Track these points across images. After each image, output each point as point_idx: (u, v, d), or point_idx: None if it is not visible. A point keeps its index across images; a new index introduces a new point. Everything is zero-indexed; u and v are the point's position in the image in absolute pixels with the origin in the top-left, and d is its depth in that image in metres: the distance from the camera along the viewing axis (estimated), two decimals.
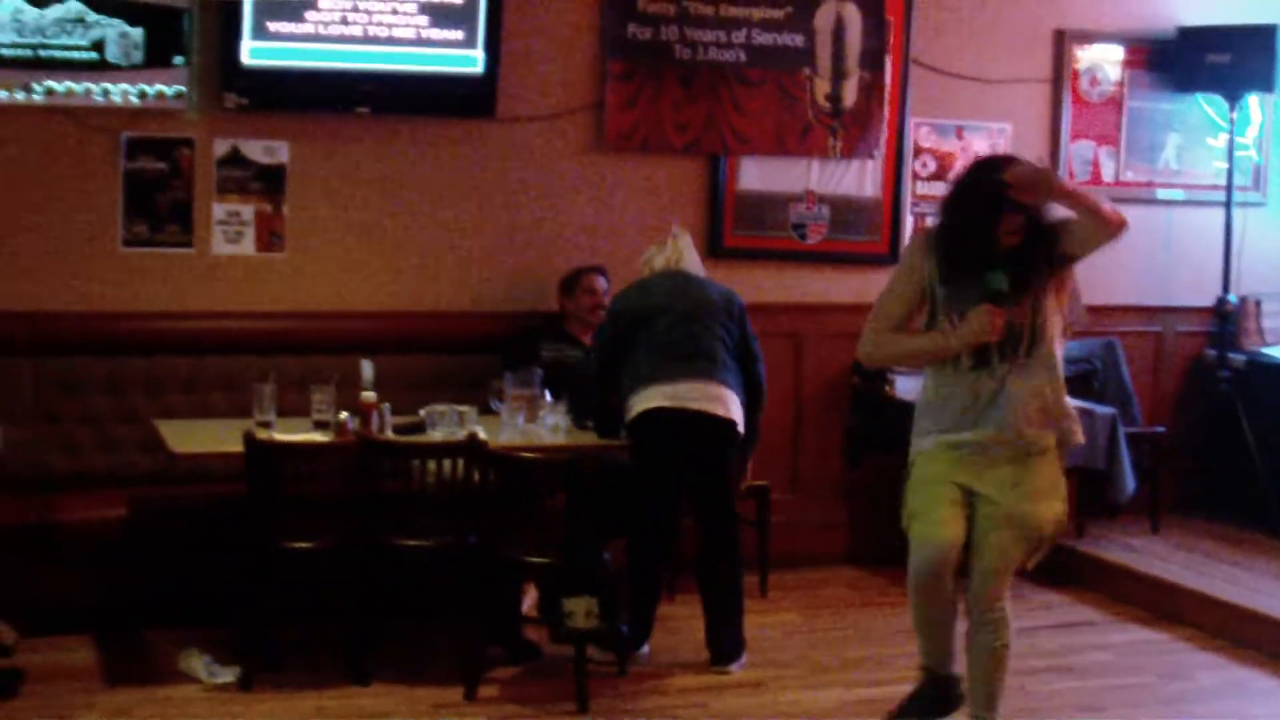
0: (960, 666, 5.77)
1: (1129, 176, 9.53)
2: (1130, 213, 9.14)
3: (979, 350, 5.51)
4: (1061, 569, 8.51)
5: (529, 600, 7.12)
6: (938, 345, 5.58)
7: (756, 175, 8.71)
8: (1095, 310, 9.33)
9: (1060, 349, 5.64)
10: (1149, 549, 8.71)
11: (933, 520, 5.56)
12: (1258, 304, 9.62)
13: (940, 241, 5.61)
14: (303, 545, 6.59)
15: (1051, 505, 5.64)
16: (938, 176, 9.05)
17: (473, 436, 6.65)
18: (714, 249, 8.59)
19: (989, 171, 5.48)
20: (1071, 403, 8.35)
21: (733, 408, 6.85)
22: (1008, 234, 5.41)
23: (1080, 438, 5.77)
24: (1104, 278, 9.34)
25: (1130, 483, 8.52)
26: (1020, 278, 5.46)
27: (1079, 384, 8.97)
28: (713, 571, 6.90)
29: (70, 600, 7.01)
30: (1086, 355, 9.29)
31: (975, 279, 5.46)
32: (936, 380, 5.68)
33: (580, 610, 6.43)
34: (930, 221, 5.91)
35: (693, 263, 7.18)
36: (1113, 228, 5.43)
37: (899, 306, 5.67)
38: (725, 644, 6.89)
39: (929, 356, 5.67)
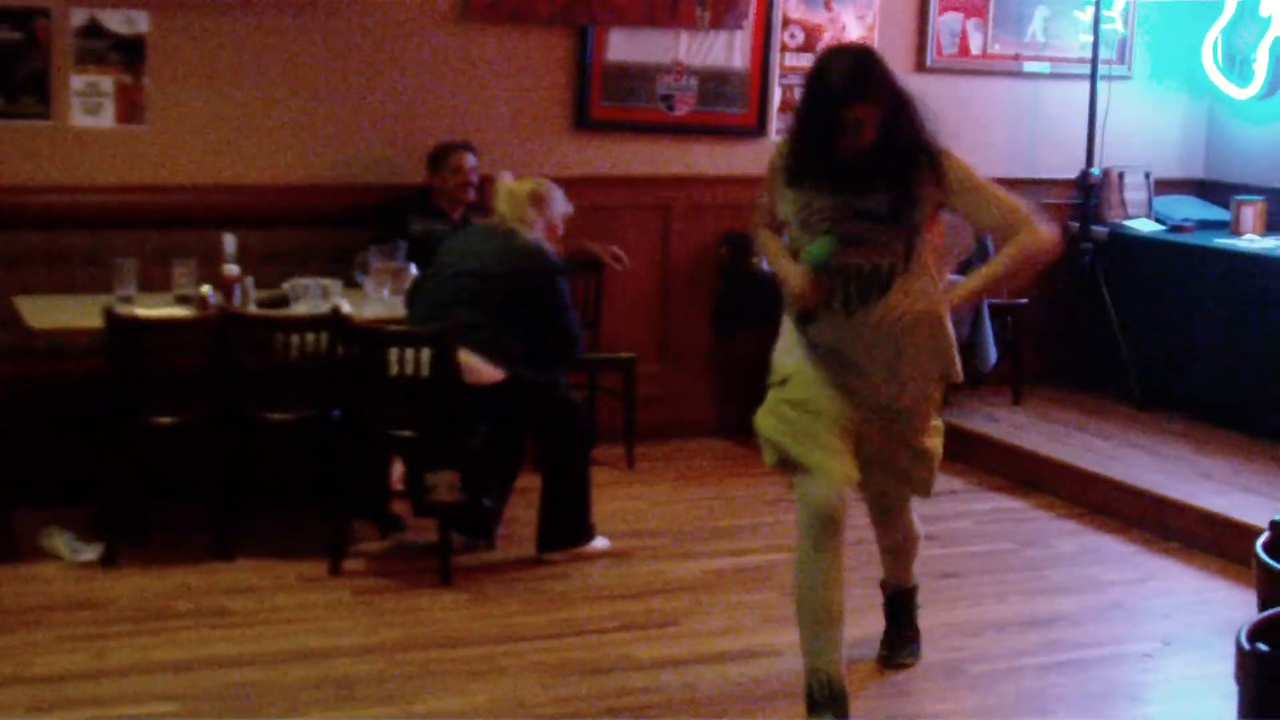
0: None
1: (996, 49, 9.57)
2: (997, 86, 9.53)
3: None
4: None
5: (396, 474, 7.12)
6: (778, 271, 5.10)
7: (624, 46, 8.66)
8: None
9: (941, 280, 5.11)
10: (1011, 419, 8.84)
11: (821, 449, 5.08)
12: (1120, 176, 9.72)
13: (788, 144, 5.02)
14: (166, 421, 6.56)
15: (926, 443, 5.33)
16: (806, 48, 9.04)
17: (336, 310, 6.62)
18: (581, 121, 8.56)
19: (823, 68, 4.83)
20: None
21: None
22: (851, 142, 4.79)
23: (959, 375, 5.30)
24: (970, 150, 9.39)
25: (992, 353, 8.64)
26: (874, 202, 4.88)
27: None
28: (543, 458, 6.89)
29: None
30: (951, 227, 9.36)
31: (824, 191, 4.89)
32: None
33: (442, 484, 6.44)
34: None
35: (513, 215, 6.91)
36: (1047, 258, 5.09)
37: (768, 200, 5.14)
38: (549, 530, 6.84)
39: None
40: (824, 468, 5.02)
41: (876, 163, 4.84)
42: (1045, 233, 4.97)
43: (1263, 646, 3.03)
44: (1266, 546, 3.66)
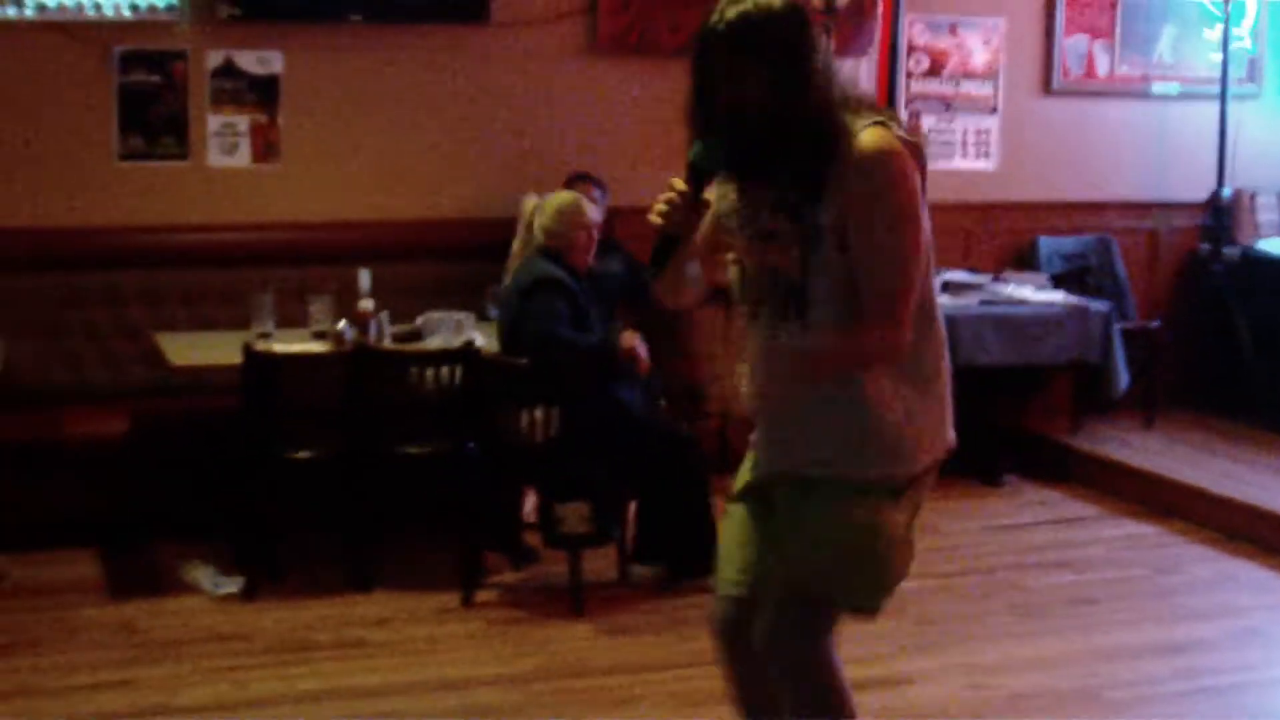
0: None
1: (1123, 70, 9.52)
2: (1125, 107, 9.48)
3: (752, 296, 3.80)
4: (1057, 465, 8.63)
5: (529, 505, 7.19)
6: None
7: None
8: (1089, 207, 9.44)
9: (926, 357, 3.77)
10: (1143, 444, 8.78)
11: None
12: (1252, 197, 9.63)
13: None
14: (302, 455, 6.66)
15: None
16: (932, 73, 9.07)
17: (469, 343, 6.71)
18: None
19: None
20: (1064, 297, 8.50)
21: None
22: (727, 102, 3.62)
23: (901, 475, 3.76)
24: (1097, 172, 9.40)
25: (1124, 377, 8.58)
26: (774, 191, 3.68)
27: (1072, 280, 9.04)
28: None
29: (74, 514, 7.08)
30: (1081, 251, 9.35)
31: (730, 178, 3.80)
32: None
33: (572, 516, 6.51)
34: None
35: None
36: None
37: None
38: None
39: None
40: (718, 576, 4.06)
41: (768, 137, 3.61)
42: (879, 345, 3.62)
43: None
44: None
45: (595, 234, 6.89)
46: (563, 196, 6.93)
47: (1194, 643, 6.33)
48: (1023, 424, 8.89)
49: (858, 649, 6.11)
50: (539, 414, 6.58)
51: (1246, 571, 7.22)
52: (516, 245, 7.51)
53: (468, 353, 6.68)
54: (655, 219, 3.71)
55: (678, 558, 6.78)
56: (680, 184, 3.68)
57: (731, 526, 4.00)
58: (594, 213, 6.95)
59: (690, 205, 3.69)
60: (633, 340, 6.74)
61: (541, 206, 6.90)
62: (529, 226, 7.16)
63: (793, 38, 3.61)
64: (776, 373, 3.74)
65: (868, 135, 3.57)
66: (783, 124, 3.58)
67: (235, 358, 6.57)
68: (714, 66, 3.61)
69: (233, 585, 6.64)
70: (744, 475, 3.95)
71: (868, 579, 3.82)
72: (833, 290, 3.62)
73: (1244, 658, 6.18)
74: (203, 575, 6.73)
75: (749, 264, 3.78)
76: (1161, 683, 5.89)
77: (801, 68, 3.60)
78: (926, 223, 3.63)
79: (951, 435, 3.84)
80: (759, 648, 3.88)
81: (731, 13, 3.59)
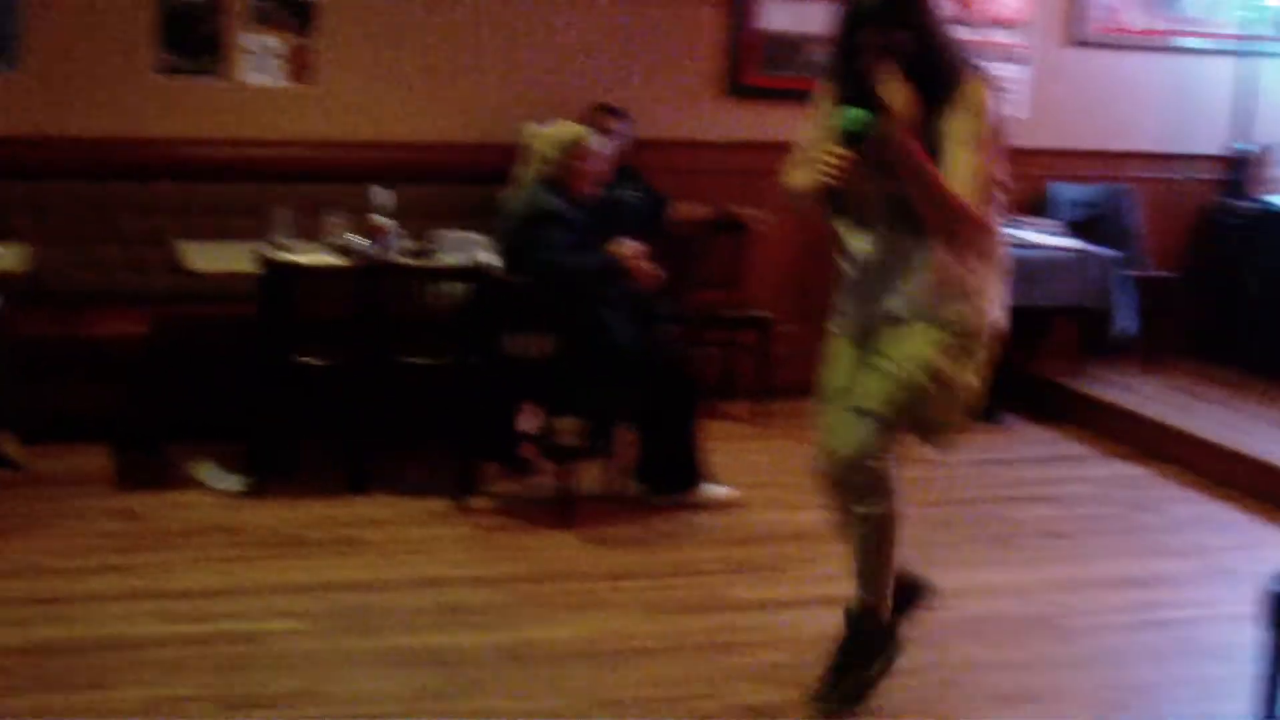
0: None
1: (1151, 24, 9.63)
2: (1150, 60, 9.60)
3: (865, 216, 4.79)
4: (1057, 406, 8.83)
5: (528, 419, 7.43)
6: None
7: (778, 16, 8.89)
8: (1107, 156, 9.58)
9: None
10: (1144, 389, 8.96)
11: None
12: (1272, 153, 9.74)
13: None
14: (312, 361, 6.94)
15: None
16: (959, 20, 9.20)
17: (477, 261, 6.96)
18: (733, 88, 8.85)
19: None
20: (1070, 242, 8.68)
21: None
22: (875, 61, 4.55)
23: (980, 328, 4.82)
24: (1117, 123, 9.54)
25: (1129, 324, 8.74)
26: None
27: (1086, 228, 9.21)
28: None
29: (91, 410, 7.39)
30: (1095, 200, 9.49)
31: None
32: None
33: (566, 429, 6.77)
34: None
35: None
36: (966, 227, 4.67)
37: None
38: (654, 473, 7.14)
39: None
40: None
41: (917, 77, 4.53)
42: (970, 211, 4.58)
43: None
44: None
45: (597, 164, 7.10)
46: (565, 129, 7.14)
47: (1158, 577, 6.53)
48: (1029, 366, 9.11)
49: (826, 567, 6.38)
50: (537, 333, 6.84)
51: (1224, 513, 7.41)
52: (519, 171, 7.73)
53: (476, 271, 6.94)
54: (826, 179, 4.50)
55: (661, 477, 7.04)
56: (838, 149, 4.48)
57: (837, 368, 4.96)
58: (597, 142, 7.14)
59: (855, 165, 4.49)
60: (629, 249, 6.96)
61: (543, 135, 7.12)
62: (530, 156, 7.38)
63: (927, 8, 4.61)
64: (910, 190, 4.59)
65: (973, 82, 4.62)
66: (929, 69, 4.54)
67: (253, 266, 6.85)
68: (866, 40, 4.54)
69: (236, 483, 6.94)
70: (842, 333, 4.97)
71: (917, 410, 4.80)
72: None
73: (1204, 594, 6.37)
74: (208, 472, 7.03)
75: (869, 189, 4.67)
76: (1120, 613, 6.09)
77: (938, 29, 4.62)
78: (1003, 149, 4.68)
79: (1002, 317, 4.87)
80: (833, 451, 4.84)
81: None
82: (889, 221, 4.73)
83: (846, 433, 4.80)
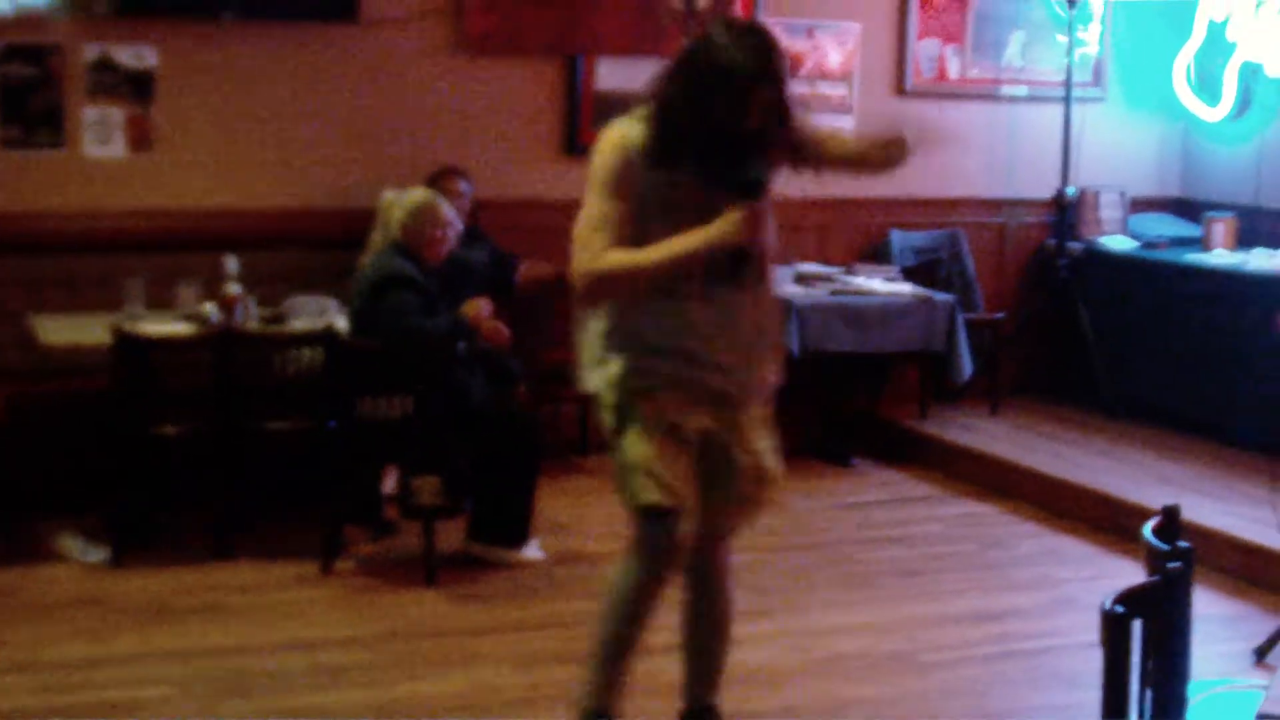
0: None
1: (974, 74, 9.93)
2: (975, 109, 9.90)
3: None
4: (904, 449, 9.05)
5: (390, 481, 7.51)
6: (685, 250, 4.51)
7: (613, 75, 9.06)
8: (941, 203, 9.85)
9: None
10: (987, 429, 9.20)
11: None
12: (1095, 195, 10.07)
13: (655, 123, 4.55)
14: (171, 431, 6.98)
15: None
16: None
17: (329, 326, 7.04)
18: (571, 147, 8.97)
19: (728, 45, 4.44)
20: (911, 289, 8.93)
21: None
22: (757, 122, 4.48)
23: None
24: (949, 170, 9.81)
25: (967, 366, 8.98)
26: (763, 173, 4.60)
27: (923, 273, 9.47)
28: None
29: None
30: (932, 245, 9.75)
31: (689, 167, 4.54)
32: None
33: (426, 489, 6.87)
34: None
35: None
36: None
37: (616, 207, 4.55)
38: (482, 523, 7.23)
39: (672, 268, 4.54)
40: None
41: (762, 137, 4.53)
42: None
43: (1119, 608, 3.37)
44: (1155, 530, 3.98)
45: (451, 231, 7.21)
46: (419, 195, 7.24)
47: (1011, 610, 6.75)
48: (875, 410, 9.33)
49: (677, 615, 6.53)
50: (393, 395, 6.93)
51: (1070, 546, 7.65)
52: (375, 237, 7.82)
53: (328, 335, 7.01)
54: (745, 238, 4.50)
55: (492, 530, 7.13)
56: (740, 207, 4.47)
57: None
58: (449, 211, 7.24)
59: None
60: (477, 306, 7.07)
61: (399, 202, 7.23)
62: (386, 222, 7.49)
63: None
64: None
65: None
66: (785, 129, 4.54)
67: (106, 338, 6.87)
68: (742, 97, 4.40)
69: (101, 554, 6.95)
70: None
71: None
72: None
73: (1056, 624, 6.60)
74: (73, 544, 7.04)
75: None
76: (975, 646, 6.31)
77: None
78: None
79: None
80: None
81: (751, 46, 4.43)
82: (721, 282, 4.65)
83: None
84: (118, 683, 5.66)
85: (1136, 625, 3.43)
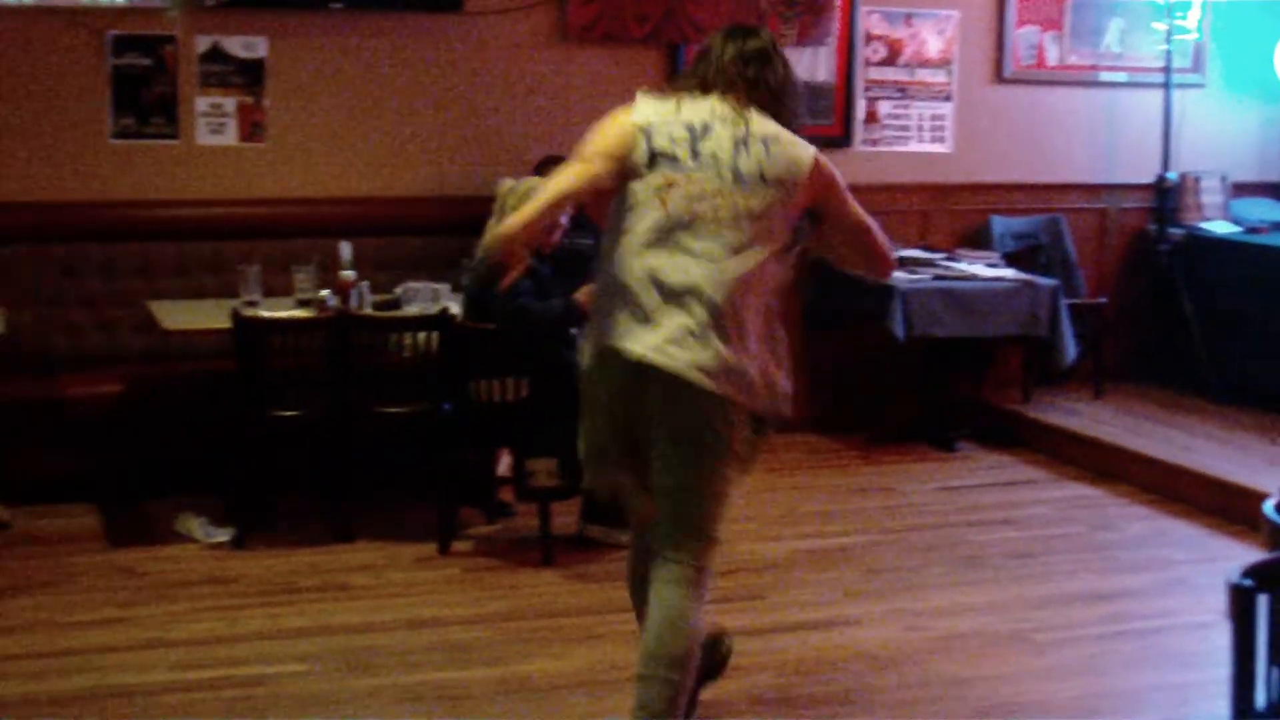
0: None
1: (1073, 60, 9.93)
2: (1074, 95, 9.89)
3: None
4: (1009, 433, 9.07)
5: (504, 464, 7.58)
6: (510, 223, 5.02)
7: None
8: (1040, 189, 9.86)
9: None
10: (1091, 413, 9.20)
11: None
12: (1196, 181, 10.05)
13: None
14: (288, 415, 7.07)
15: None
16: (888, 61, 9.47)
17: (444, 311, 7.12)
18: None
19: (736, 45, 4.84)
20: (1015, 273, 8.94)
21: None
22: None
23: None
24: (1049, 156, 9.82)
25: (1072, 350, 8.98)
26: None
27: (1023, 258, 9.47)
28: None
29: (72, 471, 7.50)
30: (1032, 230, 9.76)
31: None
32: None
33: (541, 471, 6.93)
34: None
35: None
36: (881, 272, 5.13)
37: (598, 167, 4.98)
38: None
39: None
40: None
41: None
42: None
43: (1247, 582, 3.39)
44: (1277, 507, 4.01)
45: (563, 218, 7.26)
46: (532, 183, 7.31)
47: (1123, 591, 6.76)
48: (979, 394, 9.35)
49: (807, 594, 6.60)
50: (507, 379, 7.00)
51: (1179, 529, 7.65)
52: (492, 223, 7.88)
53: (443, 319, 7.09)
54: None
55: (616, 513, 7.17)
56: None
57: None
58: None
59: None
60: (588, 294, 7.12)
61: (517, 190, 7.29)
62: (502, 208, 7.55)
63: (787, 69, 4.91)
64: None
65: None
66: None
67: (224, 323, 6.99)
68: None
69: (224, 535, 7.06)
70: None
71: None
72: None
73: (1168, 605, 6.61)
74: (195, 526, 7.14)
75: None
76: (1088, 626, 6.32)
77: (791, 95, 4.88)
78: None
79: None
80: None
81: (752, 49, 4.82)
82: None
83: None
84: (248, 659, 5.75)
85: (1263, 600, 3.42)
